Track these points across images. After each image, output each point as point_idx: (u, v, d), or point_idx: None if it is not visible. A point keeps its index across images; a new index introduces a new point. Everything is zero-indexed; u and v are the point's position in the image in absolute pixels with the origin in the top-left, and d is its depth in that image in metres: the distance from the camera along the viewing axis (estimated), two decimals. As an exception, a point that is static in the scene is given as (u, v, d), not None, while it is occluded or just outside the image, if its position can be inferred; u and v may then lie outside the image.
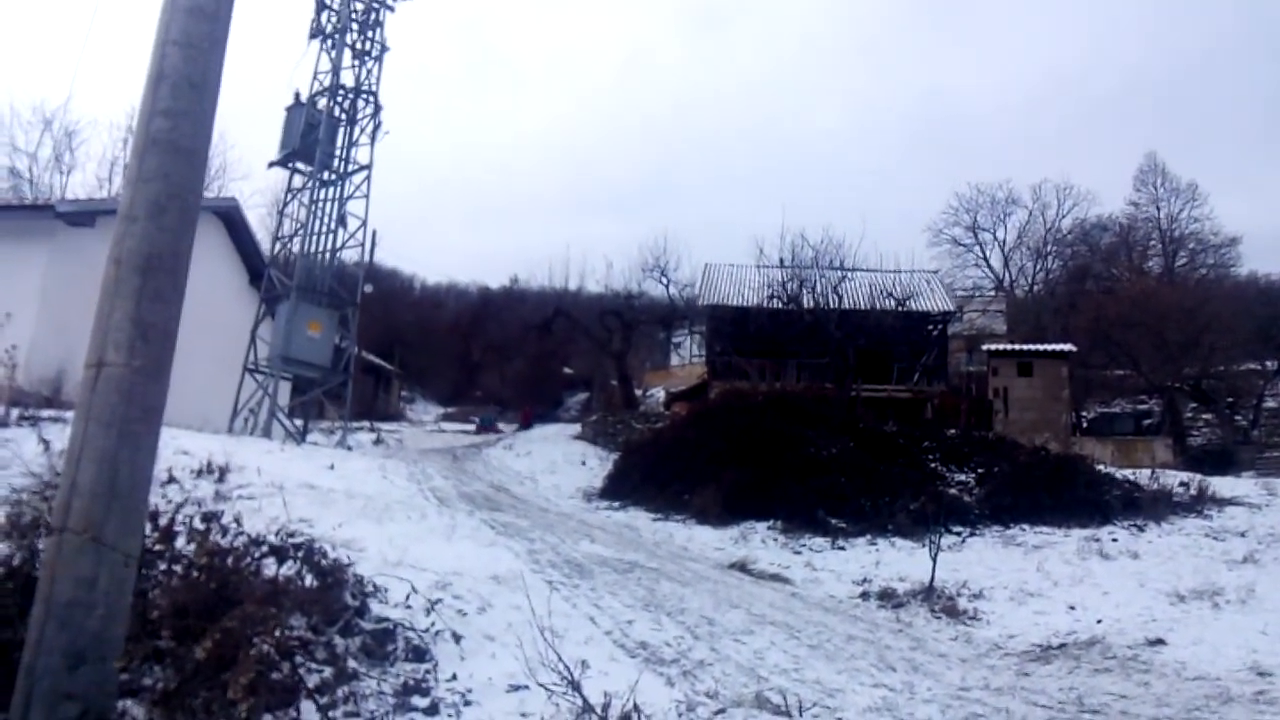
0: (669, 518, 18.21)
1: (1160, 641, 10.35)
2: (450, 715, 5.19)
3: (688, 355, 47.42)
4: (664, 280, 38.88)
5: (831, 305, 31.03)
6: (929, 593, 12.86)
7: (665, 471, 20.33)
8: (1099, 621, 11.48)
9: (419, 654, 5.88)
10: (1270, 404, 36.54)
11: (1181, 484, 19.70)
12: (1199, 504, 18.38)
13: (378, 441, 27.07)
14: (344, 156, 21.57)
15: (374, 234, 36.86)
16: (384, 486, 13.73)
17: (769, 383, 29.28)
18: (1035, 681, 8.74)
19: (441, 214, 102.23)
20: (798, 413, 22.56)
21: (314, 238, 20.96)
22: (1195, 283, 47.94)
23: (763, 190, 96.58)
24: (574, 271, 60.10)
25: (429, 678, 5.62)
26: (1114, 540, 15.81)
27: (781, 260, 34.07)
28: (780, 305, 32.24)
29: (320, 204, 21.14)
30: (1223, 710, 7.31)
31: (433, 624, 6.29)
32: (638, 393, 43.02)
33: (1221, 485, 20.28)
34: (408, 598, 6.56)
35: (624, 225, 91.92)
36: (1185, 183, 55.54)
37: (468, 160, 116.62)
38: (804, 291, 31.98)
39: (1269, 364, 37.90)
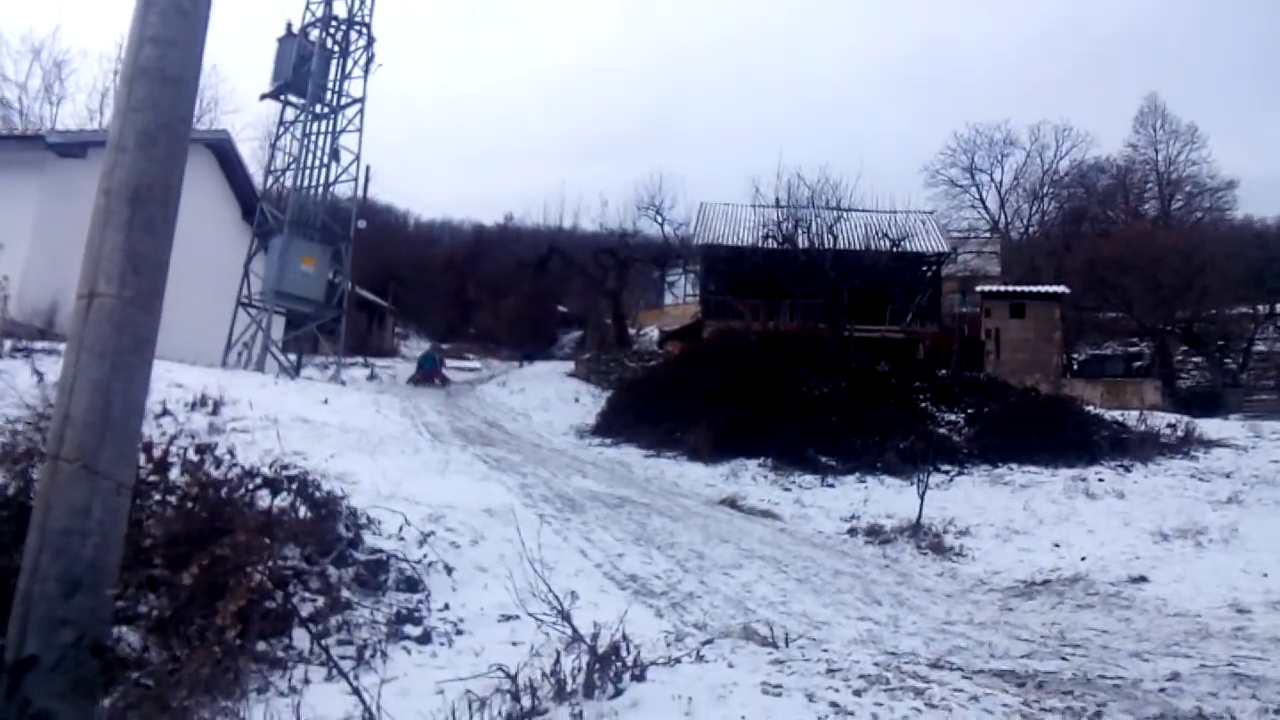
0: (661, 454, 18.35)
1: (1143, 579, 10.54)
2: (442, 643, 5.30)
3: (682, 294, 47.31)
4: (659, 219, 38.73)
5: (826, 245, 30.95)
6: (916, 529, 13.06)
7: (658, 409, 20.44)
8: (1083, 559, 11.68)
9: (412, 584, 5.98)
10: (1260, 347, 36.71)
11: (1169, 426, 19.88)
12: (1186, 445, 18.56)
13: (372, 377, 27.11)
14: (337, 89, 21.29)
15: (368, 169, 36.53)
16: (378, 421, 13.80)
17: (763, 322, 29.31)
18: (1018, 616, 8.91)
19: (437, 152, 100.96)
20: (791, 352, 22.65)
21: (307, 172, 20.78)
22: (1191, 226, 47.85)
23: (760, 132, 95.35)
24: (569, 210, 59.82)
25: (421, 607, 5.72)
26: (1100, 480, 16.00)
27: (777, 200, 33.89)
28: (775, 245, 32.09)
29: (313, 137, 20.92)
30: (1201, 646, 7.40)
31: (425, 555, 6.39)
32: (632, 331, 43.03)
33: (1209, 427, 20.47)
34: (400, 530, 6.65)
35: (620, 166, 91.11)
36: (1185, 125, 55.21)
37: (463, 100, 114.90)
38: (799, 231, 31.85)
39: (1260, 308, 37.99)
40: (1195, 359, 37.19)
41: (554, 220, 45.21)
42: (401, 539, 6.55)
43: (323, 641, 4.68)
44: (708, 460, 17.76)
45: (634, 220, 39.22)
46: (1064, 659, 6.65)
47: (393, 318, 48.42)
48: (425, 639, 5.30)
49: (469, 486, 9.61)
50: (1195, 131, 54.63)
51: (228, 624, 4.28)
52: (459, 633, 5.46)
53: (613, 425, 21.10)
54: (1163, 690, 5.35)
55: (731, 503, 14.35)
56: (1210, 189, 53.99)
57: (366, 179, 35.58)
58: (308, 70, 20.57)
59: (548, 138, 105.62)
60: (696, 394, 20.28)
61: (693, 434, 18.58)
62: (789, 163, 50.07)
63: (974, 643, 7.31)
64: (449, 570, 6.34)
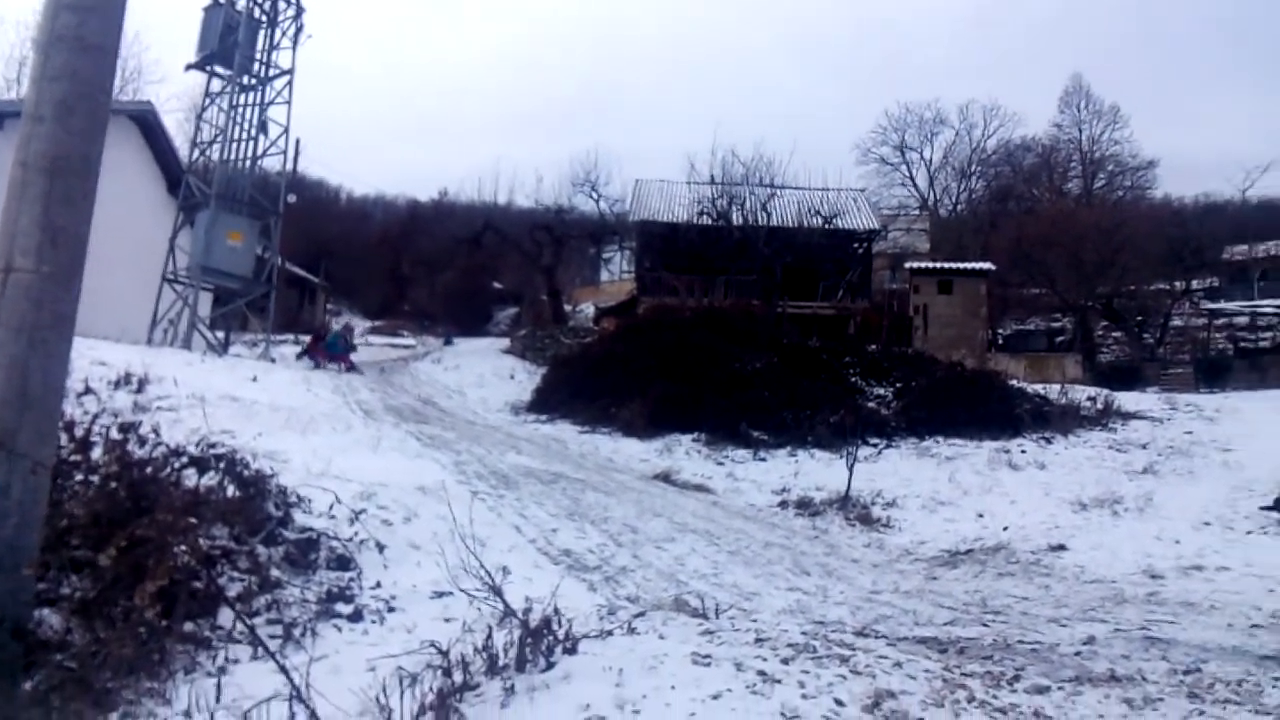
0: (596, 430, 18.42)
1: (1062, 547, 10.92)
2: (374, 621, 5.29)
3: (618, 271, 47.36)
4: (594, 195, 38.65)
5: (760, 222, 31.22)
6: (845, 501, 13.33)
7: (593, 385, 20.47)
8: (1005, 528, 12.04)
9: (343, 563, 5.95)
10: (1176, 323, 38.04)
11: (1089, 399, 20.48)
12: (1104, 418, 19.16)
13: (302, 354, 26.65)
14: (265, 60, 20.81)
15: (297, 142, 35.82)
16: (308, 399, 13.63)
17: (697, 299, 29.47)
18: (942, 585, 9.17)
19: (370, 126, 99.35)
20: (725, 328, 22.82)
21: (234, 145, 20.32)
22: (1112, 204, 49.15)
23: (695, 109, 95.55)
24: (504, 186, 59.37)
25: (353, 585, 5.70)
26: (1023, 452, 16.48)
27: (712, 177, 34.03)
28: (710, 222, 32.27)
29: (240, 109, 20.44)
30: (1117, 611, 7.68)
31: (356, 533, 6.36)
32: (567, 308, 42.98)
33: (1127, 400, 21.14)
34: (331, 508, 6.61)
35: (556, 142, 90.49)
36: (1108, 105, 56.66)
37: (397, 74, 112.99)
38: (733, 208, 32.07)
39: (1177, 284, 39.33)
40: (1115, 334, 38.38)
41: (489, 196, 45.02)
42: (333, 517, 6.50)
43: (251, 620, 4.65)
44: (642, 436, 17.86)
45: (569, 197, 39.15)
46: (985, 625, 6.88)
47: (325, 294, 47.64)
48: (357, 617, 5.29)
49: (402, 464, 9.57)
50: (1117, 112, 56.23)
51: (147, 604, 4.22)
52: (391, 610, 5.45)
53: (548, 402, 21.10)
54: (1078, 654, 5.57)
55: (665, 477, 14.49)
56: (1131, 168, 55.70)
57: (296, 153, 34.92)
58: (234, 41, 20.07)
59: (483, 113, 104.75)
60: (631, 370, 20.35)
61: (628, 410, 18.67)
62: (724, 140, 50.38)
63: (899, 611, 7.52)
64: (381, 548, 6.32)
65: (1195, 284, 41.77)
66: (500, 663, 4.24)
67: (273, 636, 4.72)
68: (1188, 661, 5.30)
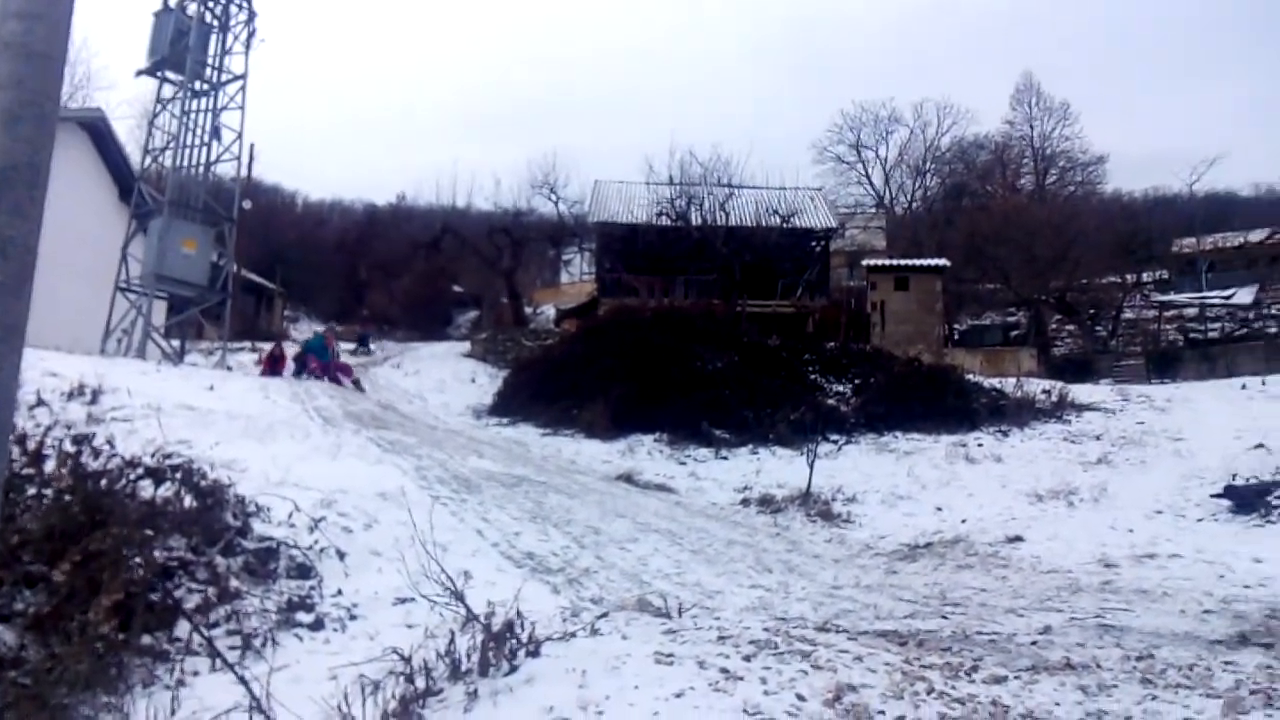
0: (558, 432, 18.40)
1: (1019, 538, 11.10)
2: (335, 629, 5.27)
3: (578, 273, 47.30)
4: (553, 197, 38.61)
5: (719, 222, 31.40)
6: (806, 498, 13.44)
7: (554, 387, 20.46)
8: (963, 521, 12.22)
9: (304, 571, 5.92)
10: (1128, 315, 38.67)
11: (1044, 391, 20.79)
12: (1059, 410, 19.47)
13: (259, 362, 26.27)
14: (217, 65, 20.45)
15: (251, 147, 35.36)
16: (266, 406, 13.47)
17: (657, 299, 29.50)
18: (902, 578, 9.28)
19: (325, 131, 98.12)
20: (685, 328, 22.88)
21: (186, 151, 19.95)
22: (1064, 200, 49.99)
23: (653, 109, 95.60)
24: (462, 189, 59.11)
25: (314, 594, 5.67)
26: (980, 445, 16.70)
27: (671, 178, 34.18)
28: (669, 222, 32.38)
29: (192, 115, 20.08)
30: (1072, 600, 7.82)
31: (317, 541, 6.32)
32: (528, 310, 42.82)
33: (1080, 392, 21.49)
34: (291, 516, 6.56)
35: (514, 145, 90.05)
36: (1059, 102, 57.56)
37: (353, 78, 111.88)
38: (692, 209, 32.21)
39: (1128, 278, 40.01)
40: (1068, 327, 38.94)
41: (447, 199, 44.73)
42: (292, 526, 6.46)
43: (210, 632, 4.62)
44: (604, 437, 17.89)
45: (529, 199, 39.07)
46: (944, 617, 6.97)
47: (282, 300, 47.07)
48: (318, 625, 5.27)
49: (362, 470, 9.49)
50: (1068, 108, 57.16)
51: (102, 619, 4.18)
52: (353, 617, 5.44)
53: (510, 405, 21.05)
54: (1034, 643, 5.66)
55: (628, 478, 14.52)
56: (1082, 164, 56.78)
57: (250, 158, 34.46)
58: (186, 45, 19.73)
59: (440, 116, 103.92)
60: (593, 371, 20.37)
61: (589, 411, 18.69)
62: (682, 141, 50.51)
63: (860, 605, 7.60)
64: (341, 555, 6.29)
65: (1145, 277, 42.47)
66: (463, 667, 4.24)
67: (232, 647, 4.70)
68: (1141, 648, 5.38)
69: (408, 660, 4.17)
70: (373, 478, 8.95)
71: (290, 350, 24.40)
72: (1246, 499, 11.89)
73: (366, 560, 6.37)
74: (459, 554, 6.80)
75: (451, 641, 4.38)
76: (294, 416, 13.25)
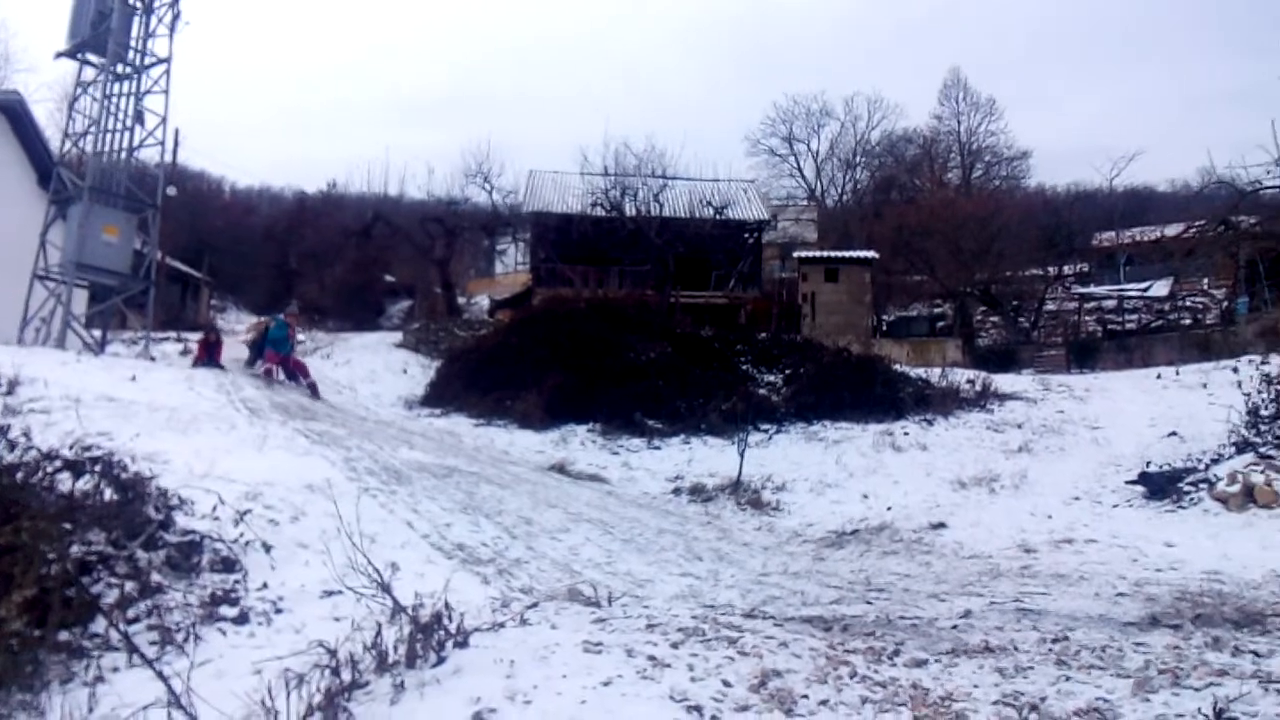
0: (491, 423, 18.31)
1: (942, 525, 11.38)
2: (260, 623, 5.21)
3: (512, 263, 46.94)
4: (487, 186, 38.10)
5: (653, 213, 31.45)
6: (736, 487, 13.60)
7: (488, 378, 20.35)
8: (889, 508, 12.49)
9: (228, 565, 5.84)
10: (1050, 306, 39.67)
11: (968, 381, 21.25)
12: (983, 399, 19.93)
13: (185, 353, 25.62)
14: (140, 48, 19.89)
15: (176, 133, 34.47)
16: (190, 398, 13.18)
17: (592, 290, 29.49)
18: (829, 565, 9.47)
19: (254, 117, 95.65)
20: (619, 319, 22.93)
21: (108, 135, 19.37)
22: (989, 194, 51.07)
23: (587, 100, 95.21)
24: (394, 177, 58.22)
25: (238, 587, 5.60)
26: (906, 434, 17.04)
27: (606, 168, 34.08)
28: (603, 213, 32.34)
29: (114, 99, 19.50)
30: (993, 584, 8.05)
31: (242, 535, 6.23)
32: (462, 300, 42.40)
33: (1003, 382, 22.02)
34: (215, 509, 6.46)
35: (447, 133, 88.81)
36: (985, 98, 58.81)
37: (283, 64, 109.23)
38: (626, 199, 32.20)
39: (1050, 270, 41.08)
40: (993, 318, 39.84)
41: (379, 188, 43.90)
42: (216, 519, 6.36)
43: (131, 627, 4.54)
44: (538, 427, 17.86)
45: (462, 188, 38.50)
46: (869, 603, 7.13)
47: (208, 289, 45.95)
48: (242, 619, 5.20)
49: (289, 462, 9.35)
50: (994, 104, 58.48)
51: (15, 615, 4.08)
52: (278, 611, 5.38)
53: (442, 395, 20.87)
54: (955, 627, 5.82)
55: (560, 468, 14.53)
56: (1007, 158, 58.30)
57: (175, 143, 33.62)
58: (108, 27, 19.13)
59: (371, 103, 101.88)
60: (527, 362, 20.31)
61: (523, 401, 18.64)
62: (617, 131, 50.47)
63: (787, 592, 7.74)
64: (267, 548, 6.21)
65: (1067, 269, 43.63)
66: (390, 660, 4.23)
67: (152, 643, 4.62)
68: (1056, 630, 5.54)
69: (333, 653, 4.14)
70: (300, 470, 8.83)
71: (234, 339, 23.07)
72: (1159, 485, 12.31)
73: (293, 553, 6.29)
74: (388, 546, 6.76)
75: (378, 634, 4.36)
76: (219, 408, 12.99)
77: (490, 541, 8.06)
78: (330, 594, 5.57)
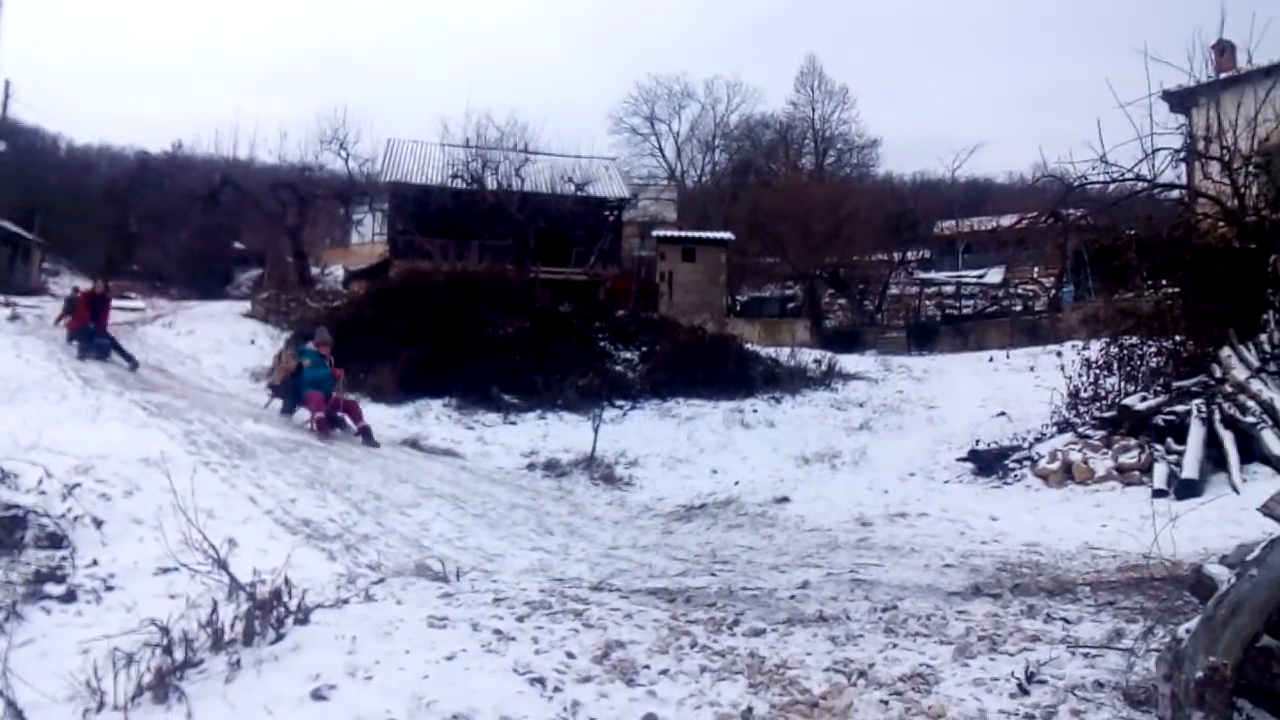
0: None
1: (786, 499, 11.82)
2: (89, 601, 5.02)
3: (369, 233, 45.69)
4: (343, 154, 36.87)
5: (514, 188, 31.27)
6: (590, 462, 13.77)
7: (341, 350, 19.74)
8: (736, 483, 12.88)
9: (55, 541, 5.60)
10: (893, 291, 41.42)
11: (815, 361, 22.06)
12: (828, 378, 20.73)
13: (14, 318, 23.95)
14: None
15: (6, 84, 31.98)
16: (18, 366, 12.45)
17: (451, 263, 29.04)
18: (677, 539, 9.70)
19: (94, 72, 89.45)
20: (478, 293, 22.70)
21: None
22: (840, 180, 52.74)
23: (449, 70, 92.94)
24: (245, 140, 55.57)
25: (65, 564, 5.37)
26: (755, 411, 17.56)
27: (467, 140, 33.61)
28: (464, 185, 31.90)
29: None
30: (830, 556, 8.33)
31: (70, 510, 5.97)
32: (315, 270, 41.01)
33: (848, 362, 22.92)
34: (41, 483, 6.18)
35: (301, 97, 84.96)
36: (839, 86, 60.45)
37: (131, 18, 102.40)
38: (487, 173, 31.87)
39: (895, 256, 42.88)
40: (840, 301, 41.28)
41: (229, 151, 41.77)
42: (43, 493, 6.07)
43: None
44: (391, 401, 17.56)
45: (317, 154, 37.08)
46: (713, 575, 7.34)
47: (40, 251, 42.94)
48: (70, 597, 5.00)
49: (124, 435, 8.95)
50: (847, 93, 60.16)
51: None
52: (109, 589, 5.18)
53: (291, 367, 20.24)
54: (793, 597, 6.02)
55: (413, 443, 14.36)
56: (858, 146, 60.29)
57: (6, 95, 31.20)
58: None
59: (223, 62, 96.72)
60: (382, 335, 19.89)
61: (377, 375, 18.26)
62: (478, 103, 49.59)
63: (636, 565, 7.89)
64: (98, 524, 5.96)
65: (910, 255, 45.65)
66: (226, 638, 4.14)
67: (-32, 624, 4.39)
68: (887, 600, 5.76)
69: (166, 631, 4.03)
70: (136, 443, 8.45)
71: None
72: (987, 462, 12.99)
73: (126, 529, 6.05)
74: (228, 521, 6.56)
75: (214, 611, 4.27)
76: (49, 377, 12.30)
77: (338, 517, 7.92)
78: (165, 571, 5.39)
